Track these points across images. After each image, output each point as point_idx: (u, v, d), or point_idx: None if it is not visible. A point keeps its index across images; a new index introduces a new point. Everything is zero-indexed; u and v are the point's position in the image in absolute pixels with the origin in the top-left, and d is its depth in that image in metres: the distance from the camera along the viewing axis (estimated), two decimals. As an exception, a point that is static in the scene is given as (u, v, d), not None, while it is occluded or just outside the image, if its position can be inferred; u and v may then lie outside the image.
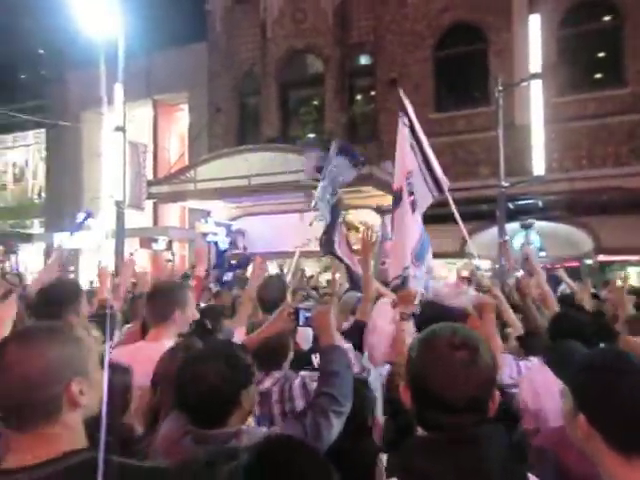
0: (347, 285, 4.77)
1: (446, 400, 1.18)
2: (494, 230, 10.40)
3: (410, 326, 2.73)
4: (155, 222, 16.61)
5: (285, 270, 6.38)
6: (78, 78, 16.03)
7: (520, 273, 4.36)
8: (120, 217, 10.83)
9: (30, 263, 15.02)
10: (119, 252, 10.60)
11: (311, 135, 14.88)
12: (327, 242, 4.50)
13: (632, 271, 10.93)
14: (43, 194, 19.81)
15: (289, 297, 3.73)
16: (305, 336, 2.96)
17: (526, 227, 11.11)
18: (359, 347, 2.62)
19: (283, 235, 12.05)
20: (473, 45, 13.06)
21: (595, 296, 5.35)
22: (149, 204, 14.76)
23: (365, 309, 2.93)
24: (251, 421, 1.86)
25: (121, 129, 10.90)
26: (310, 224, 4.11)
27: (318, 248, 4.63)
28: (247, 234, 14.07)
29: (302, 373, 2.34)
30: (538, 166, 11.49)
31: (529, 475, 1.24)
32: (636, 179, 11.03)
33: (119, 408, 1.85)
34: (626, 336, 2.73)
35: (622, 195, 10.89)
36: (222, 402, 1.62)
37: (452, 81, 13.28)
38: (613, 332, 3.14)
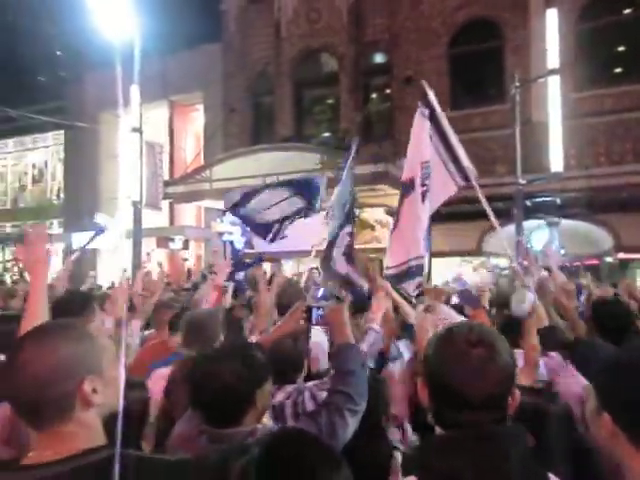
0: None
1: (463, 397, 1.17)
2: (511, 228, 10.30)
3: (440, 313, 2.75)
4: (171, 222, 16.76)
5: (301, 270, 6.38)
6: (95, 80, 16.23)
7: (544, 273, 4.29)
8: (137, 217, 10.94)
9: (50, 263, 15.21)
10: (136, 252, 10.71)
11: (326, 134, 14.88)
12: (325, 260, 4.39)
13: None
14: (62, 195, 20.09)
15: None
16: (321, 349, 2.95)
17: (551, 225, 10.96)
18: None
19: (298, 234, 12.06)
20: (489, 42, 12.93)
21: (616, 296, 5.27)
22: (165, 204, 14.90)
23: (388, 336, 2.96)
24: (266, 420, 1.85)
25: (138, 130, 11.00)
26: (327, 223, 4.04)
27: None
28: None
29: (308, 385, 2.31)
30: (555, 163, 11.34)
31: (550, 475, 1.22)
32: (656, 175, 10.84)
33: (137, 421, 1.87)
34: None
35: (642, 192, 10.71)
36: (237, 401, 1.62)
37: (468, 78, 13.17)
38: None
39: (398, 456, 2.15)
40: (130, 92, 10.84)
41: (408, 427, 2.62)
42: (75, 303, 2.67)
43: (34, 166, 21.77)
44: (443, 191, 3.84)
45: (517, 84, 10.54)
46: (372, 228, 12.12)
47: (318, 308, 2.20)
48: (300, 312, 2.22)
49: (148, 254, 12.20)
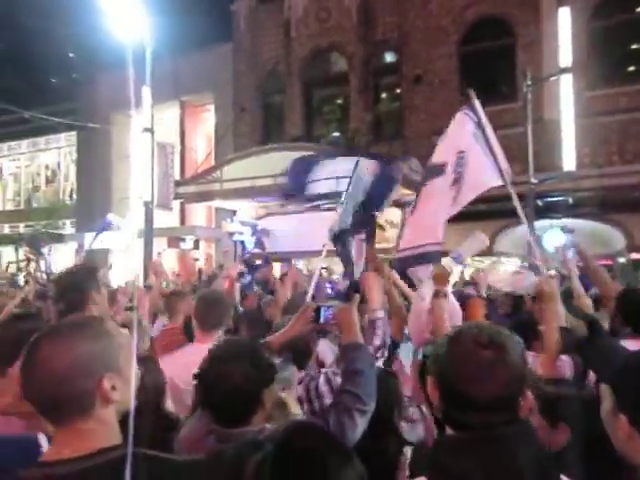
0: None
1: (473, 399, 1.16)
2: (524, 228, 10.21)
3: (446, 304, 2.74)
4: (182, 222, 16.84)
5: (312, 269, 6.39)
6: (107, 81, 16.35)
7: (552, 272, 4.26)
8: (148, 217, 11.01)
9: (62, 263, 15.39)
10: (147, 251, 10.78)
11: (335, 134, 14.87)
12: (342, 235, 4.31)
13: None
14: (74, 195, 20.27)
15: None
16: (327, 348, 2.96)
17: (566, 232, 10.84)
18: None
19: (309, 234, 12.07)
20: (500, 40, 12.84)
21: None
22: (176, 204, 14.98)
23: (398, 328, 2.96)
24: (295, 409, 1.87)
25: (149, 130, 11.08)
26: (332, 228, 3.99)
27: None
28: (273, 233, 14.14)
29: (324, 370, 2.33)
30: (568, 162, 11.24)
31: (562, 477, 1.21)
32: (671, 174, 10.70)
33: (155, 400, 1.89)
34: None
35: (656, 191, 10.59)
36: (246, 401, 1.63)
37: (478, 77, 13.06)
38: None
39: (407, 452, 2.14)
40: (142, 93, 10.92)
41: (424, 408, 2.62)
42: (79, 275, 2.66)
43: (47, 167, 22.00)
44: (477, 186, 3.76)
45: (529, 82, 10.46)
46: (382, 228, 12.08)
47: (327, 308, 2.19)
48: (309, 312, 2.21)
49: (159, 254, 12.27)
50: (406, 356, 3.21)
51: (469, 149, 3.67)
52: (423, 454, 2.03)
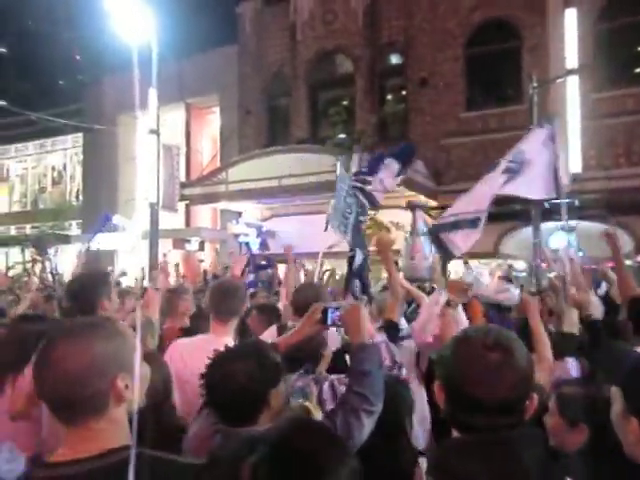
0: (381, 284, 4.71)
1: (479, 401, 1.16)
2: (529, 230, 10.18)
3: (457, 313, 2.76)
4: (187, 223, 16.88)
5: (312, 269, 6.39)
6: (113, 83, 16.43)
7: (554, 274, 4.26)
8: (154, 218, 11.04)
9: (68, 264, 15.45)
10: (153, 253, 10.81)
11: (341, 136, 14.87)
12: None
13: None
14: (80, 196, 20.37)
15: None
16: (332, 338, 2.96)
17: (567, 231, 10.79)
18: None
19: (314, 236, 12.05)
20: (506, 42, 12.82)
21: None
22: (182, 206, 15.02)
23: (394, 308, 2.93)
24: (316, 412, 1.87)
25: (155, 132, 11.11)
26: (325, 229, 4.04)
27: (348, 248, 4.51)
28: (278, 235, 14.16)
29: (332, 376, 2.33)
30: (574, 164, 11.20)
31: (567, 479, 1.21)
32: (678, 177, 10.65)
33: (163, 398, 1.90)
34: None
35: (663, 193, 10.53)
36: (252, 401, 1.63)
37: (484, 79, 13.07)
38: None
39: (423, 463, 2.14)
40: (147, 95, 10.95)
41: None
42: (91, 282, 2.68)
43: (53, 168, 22.11)
44: (530, 190, 4.01)
45: (535, 84, 10.43)
46: (387, 230, 12.07)
47: (334, 309, 2.19)
48: (316, 314, 2.21)
49: (164, 255, 12.29)
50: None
51: (534, 153, 3.95)
52: (429, 457, 2.02)
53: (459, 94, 13.10)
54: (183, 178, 15.35)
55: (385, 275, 5.36)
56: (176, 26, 13.11)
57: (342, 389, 2.02)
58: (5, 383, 2.30)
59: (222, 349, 1.78)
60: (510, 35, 12.73)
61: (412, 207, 4.35)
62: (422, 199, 11.73)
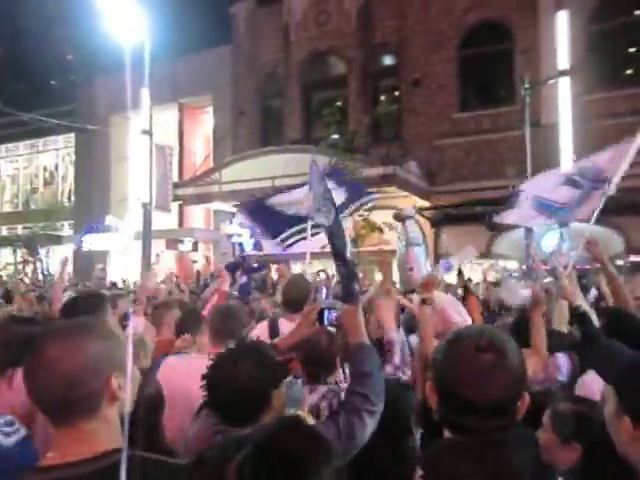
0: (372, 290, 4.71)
1: (471, 403, 1.16)
2: (521, 231, 10.24)
3: (430, 310, 2.77)
4: (180, 224, 16.84)
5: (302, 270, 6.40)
6: (106, 83, 16.36)
7: (549, 279, 4.27)
8: (147, 219, 11.01)
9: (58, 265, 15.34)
10: (146, 253, 10.77)
11: (335, 136, 14.88)
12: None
13: (665, 272, 10.62)
14: (72, 197, 20.26)
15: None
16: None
17: (562, 225, 10.82)
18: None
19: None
20: (498, 44, 12.89)
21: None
22: (175, 206, 14.97)
23: (390, 323, 2.98)
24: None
25: (148, 132, 11.09)
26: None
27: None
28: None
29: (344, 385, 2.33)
30: (566, 165, 11.25)
31: (559, 479, 1.22)
32: (669, 178, 10.73)
33: (154, 414, 1.89)
34: None
35: (654, 194, 10.60)
36: (253, 401, 1.63)
37: (477, 80, 13.13)
38: None
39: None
40: (140, 95, 10.93)
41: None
42: (89, 303, 2.69)
43: (45, 169, 21.98)
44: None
45: (527, 86, 10.49)
46: (380, 231, 12.08)
47: (330, 310, 2.19)
48: (313, 315, 2.21)
49: (157, 255, 12.26)
50: None
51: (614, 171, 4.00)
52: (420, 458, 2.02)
53: (452, 95, 13.15)
54: (176, 178, 15.30)
55: (378, 278, 5.39)
56: (170, 26, 13.09)
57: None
58: None
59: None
60: (503, 37, 12.80)
61: (401, 219, 4.29)
62: (409, 207, 11.76)
